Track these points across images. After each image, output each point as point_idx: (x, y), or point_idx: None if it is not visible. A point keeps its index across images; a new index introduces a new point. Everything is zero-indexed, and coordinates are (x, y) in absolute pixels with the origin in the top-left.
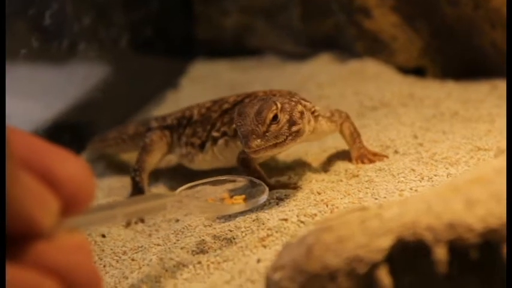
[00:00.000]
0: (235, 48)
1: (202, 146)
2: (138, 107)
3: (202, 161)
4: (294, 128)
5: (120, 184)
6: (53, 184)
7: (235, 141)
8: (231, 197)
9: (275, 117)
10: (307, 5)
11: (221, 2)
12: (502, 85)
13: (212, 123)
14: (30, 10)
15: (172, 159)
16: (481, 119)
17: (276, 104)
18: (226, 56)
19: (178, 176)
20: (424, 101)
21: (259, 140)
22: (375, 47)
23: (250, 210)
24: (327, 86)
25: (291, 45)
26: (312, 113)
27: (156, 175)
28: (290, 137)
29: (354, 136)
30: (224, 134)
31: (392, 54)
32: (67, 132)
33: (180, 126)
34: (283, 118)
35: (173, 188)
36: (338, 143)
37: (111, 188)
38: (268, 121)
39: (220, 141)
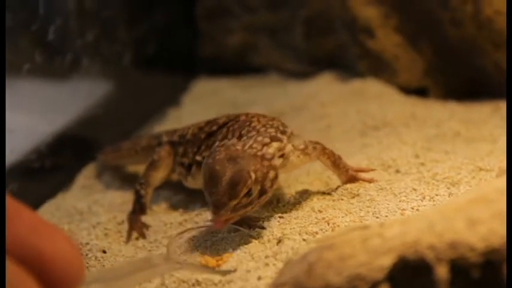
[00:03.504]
0: (238, 66)
1: (189, 168)
2: (140, 124)
3: (191, 181)
4: (263, 197)
5: (122, 200)
6: (40, 264)
7: None
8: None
9: (249, 190)
10: (310, 24)
11: (224, 19)
12: (504, 106)
13: (198, 145)
14: (34, 25)
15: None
16: (483, 139)
17: (250, 177)
18: (229, 74)
19: (183, 191)
20: (426, 121)
21: (229, 213)
22: (377, 67)
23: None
24: (329, 104)
25: (293, 64)
26: (281, 156)
27: (159, 190)
28: (257, 205)
29: (337, 163)
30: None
31: (395, 74)
32: (69, 147)
33: (179, 144)
34: (255, 190)
35: (174, 206)
36: None
37: (112, 204)
38: (241, 195)
39: None
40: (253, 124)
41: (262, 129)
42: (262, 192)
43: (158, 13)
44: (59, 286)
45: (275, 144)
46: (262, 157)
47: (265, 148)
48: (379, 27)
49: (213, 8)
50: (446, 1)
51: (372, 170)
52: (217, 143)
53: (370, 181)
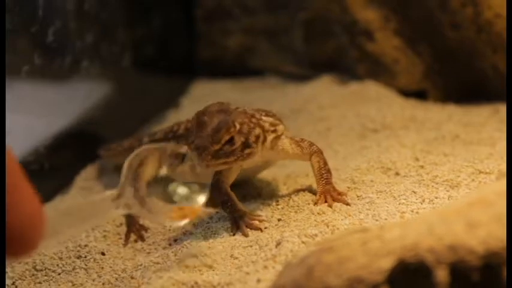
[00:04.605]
0: (237, 68)
1: (183, 158)
2: (139, 126)
3: (182, 172)
4: (247, 151)
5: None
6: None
7: None
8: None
9: (231, 139)
10: (309, 27)
11: (224, 22)
12: (503, 109)
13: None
14: (33, 27)
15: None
16: (482, 142)
17: (234, 126)
18: (228, 76)
19: None
20: (425, 124)
21: (209, 157)
22: (376, 70)
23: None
24: (328, 107)
25: (292, 67)
26: (273, 131)
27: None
28: (240, 158)
29: (322, 172)
30: None
31: (394, 77)
32: (68, 149)
33: (166, 140)
34: (239, 140)
35: None
36: (338, 166)
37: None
38: (223, 141)
39: None
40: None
41: (248, 116)
42: (246, 145)
43: (157, 15)
44: (15, 246)
45: (269, 119)
46: (252, 115)
47: (256, 112)
48: (378, 30)
49: (212, 10)
50: (446, 4)
51: (348, 204)
52: None
53: (344, 202)
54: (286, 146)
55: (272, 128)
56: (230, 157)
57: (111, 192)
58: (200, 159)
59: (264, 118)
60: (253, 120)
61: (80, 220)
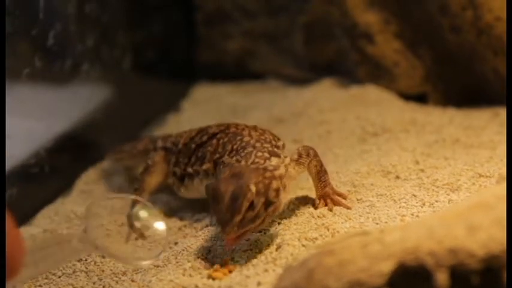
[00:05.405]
0: (238, 72)
1: (182, 179)
2: (139, 129)
3: (184, 192)
4: (270, 208)
5: (124, 203)
6: None
7: (210, 180)
8: None
9: (251, 204)
10: (310, 30)
11: (224, 25)
12: (503, 112)
13: (189, 156)
14: (34, 30)
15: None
16: (483, 145)
17: (250, 190)
18: (229, 80)
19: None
20: (425, 127)
21: (235, 228)
22: (377, 73)
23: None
24: (328, 111)
25: (293, 70)
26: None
27: (159, 194)
28: (267, 217)
29: (320, 175)
30: (197, 173)
31: (395, 80)
32: (69, 152)
33: (171, 152)
34: (259, 202)
35: (173, 211)
36: (338, 169)
37: (114, 207)
38: (244, 209)
39: (196, 180)
40: (245, 139)
41: (258, 144)
42: (268, 203)
43: (158, 19)
44: None
45: (274, 159)
46: (265, 169)
47: (267, 162)
48: (378, 33)
49: (212, 14)
50: (446, 7)
51: (348, 207)
52: (223, 158)
53: (344, 206)
54: (292, 173)
55: (285, 162)
56: (256, 221)
57: (74, 232)
58: (226, 233)
59: (272, 163)
60: (267, 174)
61: (52, 256)
